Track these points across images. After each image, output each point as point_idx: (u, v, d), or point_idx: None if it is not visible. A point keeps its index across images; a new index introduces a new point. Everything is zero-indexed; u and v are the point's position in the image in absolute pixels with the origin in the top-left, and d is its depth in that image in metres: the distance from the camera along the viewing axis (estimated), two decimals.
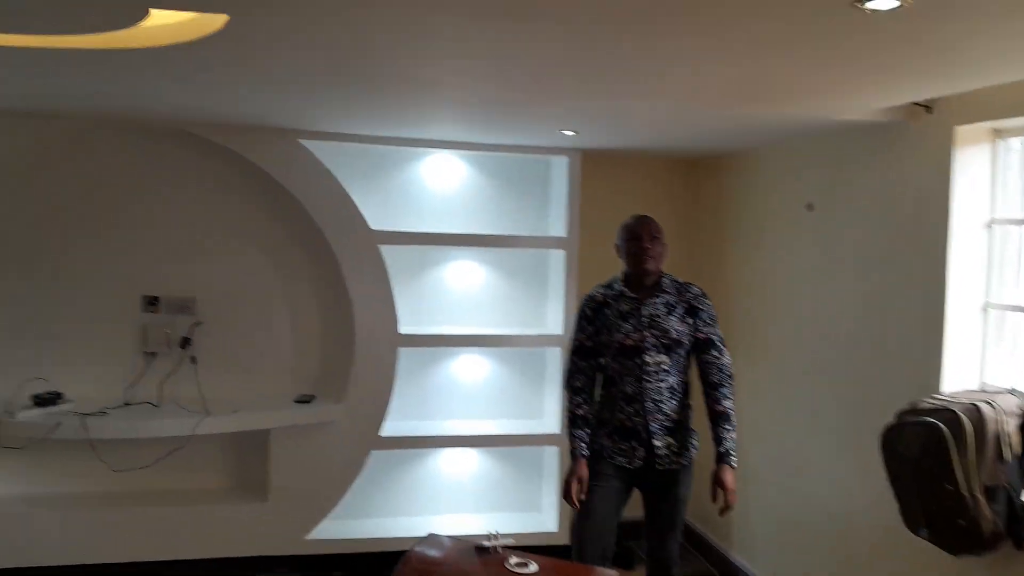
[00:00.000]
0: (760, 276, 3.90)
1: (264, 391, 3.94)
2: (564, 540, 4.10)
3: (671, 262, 3.02)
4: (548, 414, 4.23)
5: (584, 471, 2.79)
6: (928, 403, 2.45)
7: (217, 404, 3.69)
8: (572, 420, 2.86)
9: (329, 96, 2.83)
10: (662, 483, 2.82)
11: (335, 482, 3.89)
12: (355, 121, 3.41)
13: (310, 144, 3.75)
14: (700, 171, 4.46)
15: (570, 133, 3.54)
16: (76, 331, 3.72)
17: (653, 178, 4.42)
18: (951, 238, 2.67)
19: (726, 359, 2.84)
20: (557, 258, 4.14)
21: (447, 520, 4.15)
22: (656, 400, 2.77)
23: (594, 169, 4.21)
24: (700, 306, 2.84)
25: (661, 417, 2.77)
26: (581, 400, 2.87)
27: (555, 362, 4.11)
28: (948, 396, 2.48)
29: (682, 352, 2.81)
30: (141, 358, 3.78)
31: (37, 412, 3.39)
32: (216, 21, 1.93)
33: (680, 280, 2.90)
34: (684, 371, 2.84)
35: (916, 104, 2.77)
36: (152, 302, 3.81)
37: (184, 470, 3.80)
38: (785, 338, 3.69)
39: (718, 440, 2.77)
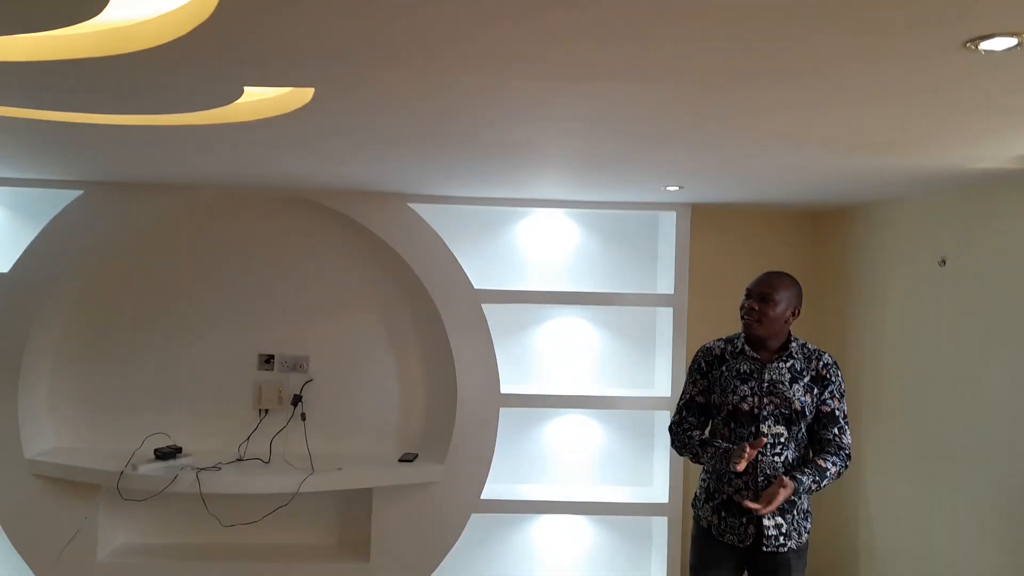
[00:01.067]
0: (890, 337, 3.58)
1: (370, 449, 3.97)
2: None
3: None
4: (658, 482, 4.02)
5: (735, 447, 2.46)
6: None
7: (324, 461, 3.75)
8: (701, 444, 2.59)
9: (427, 161, 2.86)
10: (769, 567, 2.58)
11: (435, 545, 3.83)
12: (459, 184, 3.45)
13: (418, 207, 3.83)
14: (822, 224, 4.19)
15: (674, 188, 3.42)
16: (197, 388, 3.91)
17: (769, 232, 4.20)
18: None
19: (847, 439, 2.57)
20: (665, 316, 3.98)
21: None
22: (770, 476, 2.52)
23: (707, 223, 4.05)
24: (830, 376, 2.58)
25: None
26: (697, 433, 2.65)
27: (664, 426, 3.91)
28: None
29: (803, 425, 2.56)
30: (255, 414, 3.92)
31: (157, 466, 3.55)
32: (306, 95, 2.00)
33: (811, 346, 2.65)
34: (803, 446, 2.59)
35: None
36: (267, 360, 3.96)
37: (289, 526, 3.86)
38: (917, 408, 3.35)
39: (802, 472, 2.47)
